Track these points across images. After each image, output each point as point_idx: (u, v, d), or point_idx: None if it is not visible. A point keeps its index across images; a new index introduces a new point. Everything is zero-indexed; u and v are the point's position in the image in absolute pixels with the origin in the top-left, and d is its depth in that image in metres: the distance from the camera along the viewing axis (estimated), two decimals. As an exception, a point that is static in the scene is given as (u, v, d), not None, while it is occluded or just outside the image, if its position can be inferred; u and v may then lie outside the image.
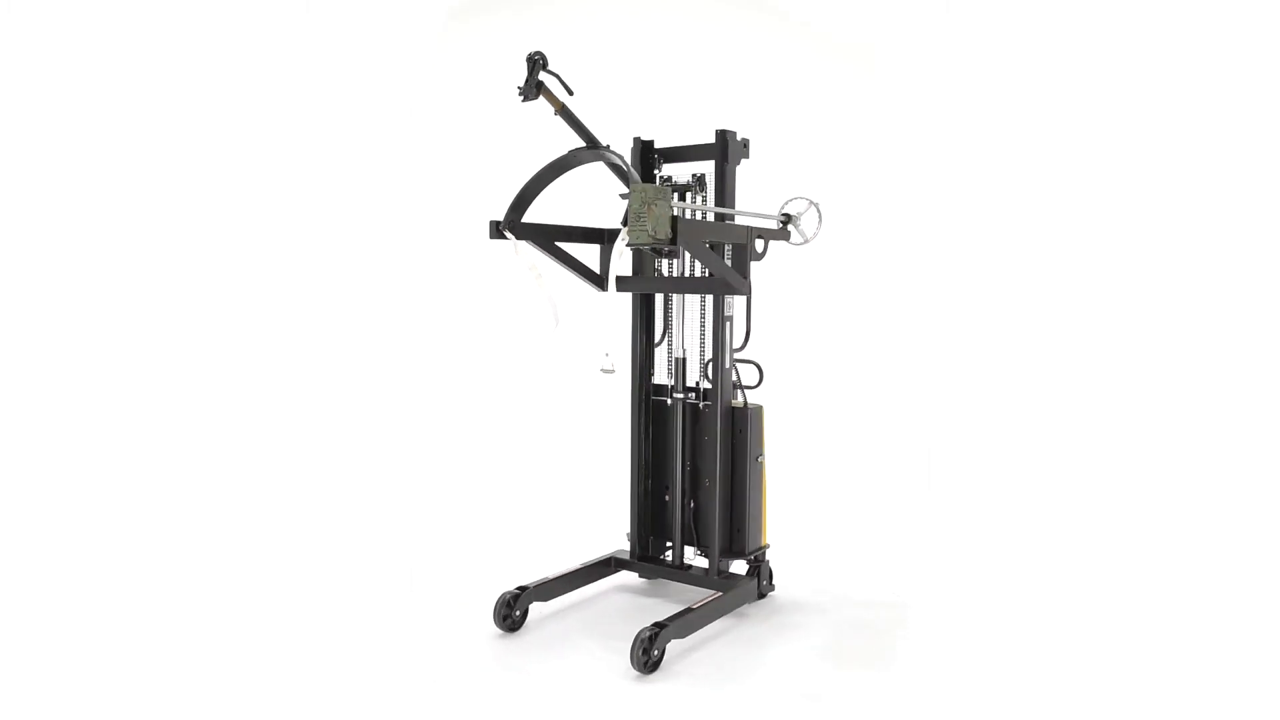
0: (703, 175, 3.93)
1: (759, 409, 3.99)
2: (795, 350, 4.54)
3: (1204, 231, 4.62)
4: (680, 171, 3.96)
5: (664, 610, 3.64)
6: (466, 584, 4.19)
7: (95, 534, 4.52)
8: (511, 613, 3.69)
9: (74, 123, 4.89)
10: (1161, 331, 4.72)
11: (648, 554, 4.17)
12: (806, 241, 4.06)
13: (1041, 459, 5.00)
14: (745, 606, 3.96)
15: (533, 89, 3.24)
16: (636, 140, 3.97)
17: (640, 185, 3.11)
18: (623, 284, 3.80)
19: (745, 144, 3.88)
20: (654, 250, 3.55)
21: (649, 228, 3.12)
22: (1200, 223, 4.62)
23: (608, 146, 3.52)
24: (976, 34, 4.94)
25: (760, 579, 4.03)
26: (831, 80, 5.69)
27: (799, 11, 5.52)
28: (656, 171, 4.02)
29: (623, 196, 3.77)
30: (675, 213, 3.20)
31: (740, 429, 3.92)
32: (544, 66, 3.28)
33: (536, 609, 3.88)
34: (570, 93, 3.41)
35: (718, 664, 3.43)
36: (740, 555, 3.95)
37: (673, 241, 3.21)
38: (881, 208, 5.72)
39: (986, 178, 5.24)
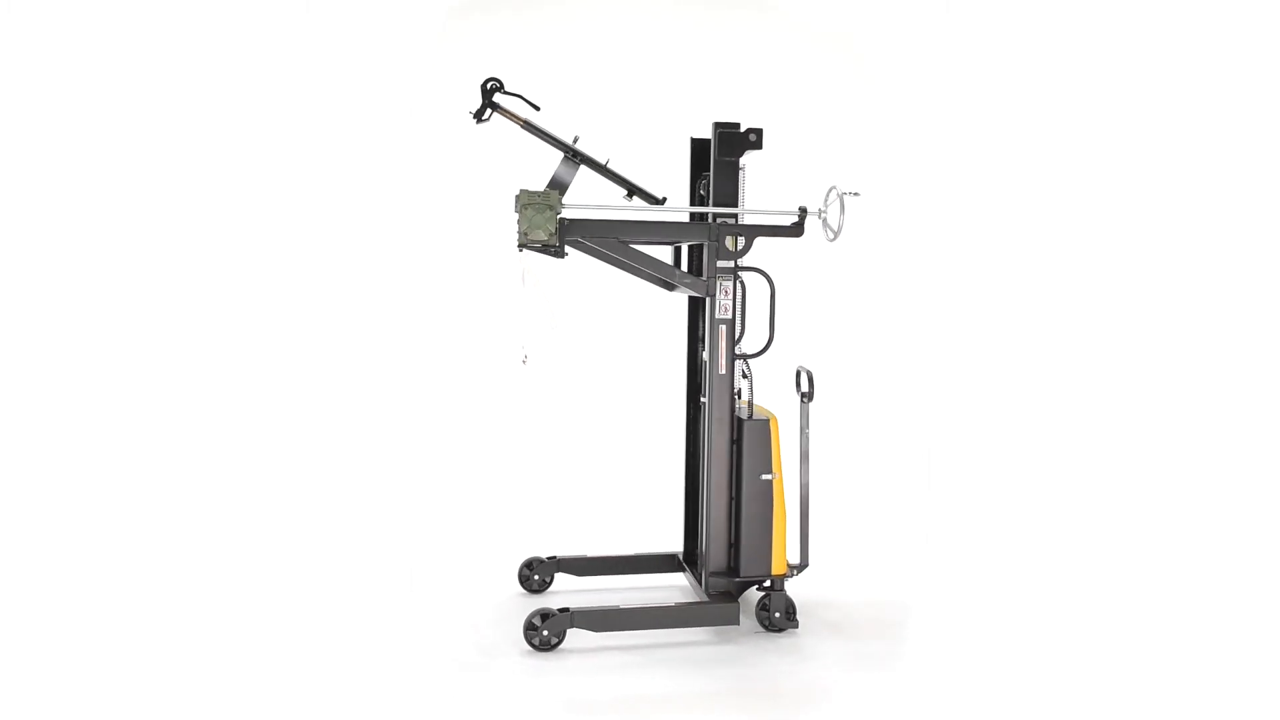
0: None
1: (764, 423, 3.64)
2: (795, 349, 4.14)
3: (1204, 229, 4.46)
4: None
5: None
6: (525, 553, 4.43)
7: (97, 533, 4.56)
8: (531, 575, 4.14)
9: (74, 123, 4.87)
10: (1161, 332, 4.63)
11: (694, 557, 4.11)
12: (835, 237, 3.54)
13: (1043, 459, 4.97)
14: (740, 630, 3.68)
15: (485, 111, 3.64)
16: (693, 141, 3.94)
17: (522, 191, 3.33)
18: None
19: (756, 135, 3.58)
20: (544, 251, 3.58)
21: (521, 229, 3.33)
22: (1200, 220, 4.47)
23: (575, 154, 3.68)
24: (977, 32, 4.98)
25: (770, 610, 3.67)
26: (836, 79, 5.75)
27: (799, 11, 5.65)
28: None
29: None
30: (559, 214, 3.34)
31: (737, 441, 3.64)
32: (500, 90, 3.65)
33: (576, 583, 4.21)
34: (536, 108, 3.69)
35: (626, 662, 3.45)
36: (736, 577, 3.67)
37: (559, 243, 3.36)
38: (882, 208, 5.65)
39: (991, 178, 5.15)
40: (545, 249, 3.41)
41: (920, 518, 5.12)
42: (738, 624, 3.64)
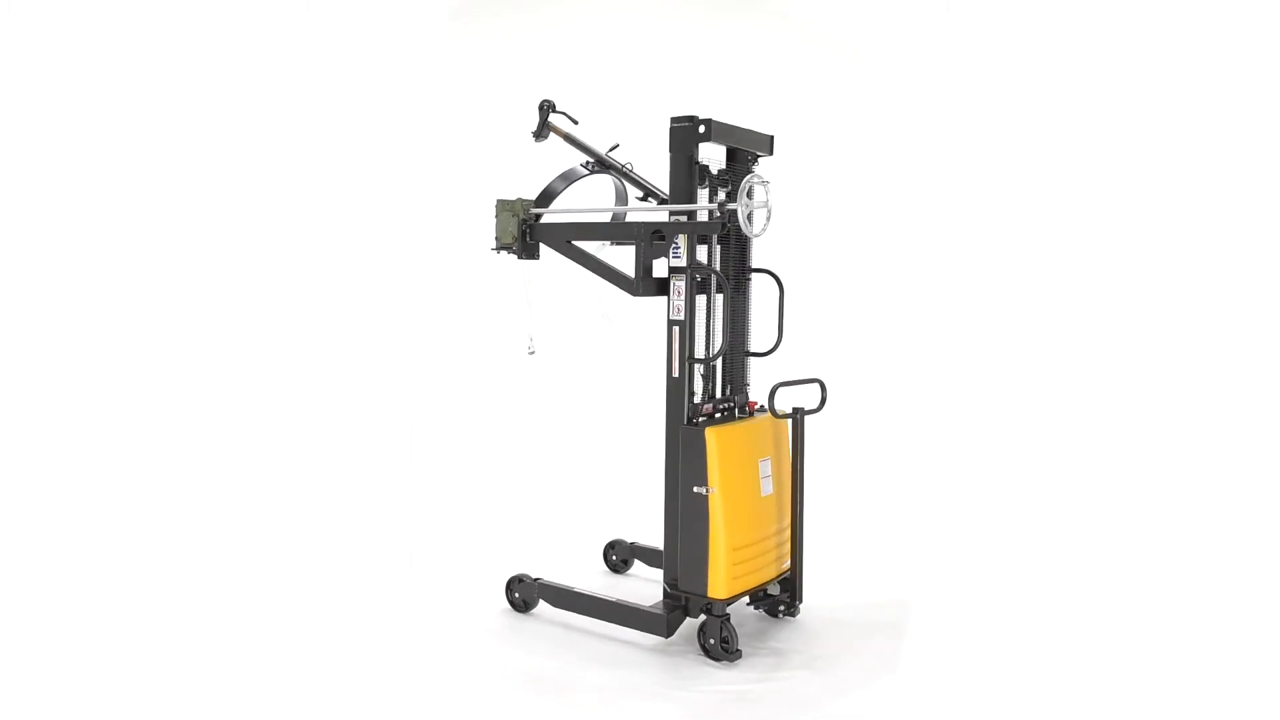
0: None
1: (697, 431, 3.38)
2: (794, 347, 3.87)
3: (1208, 230, 4.38)
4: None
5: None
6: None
7: (104, 530, 4.50)
8: (611, 554, 4.41)
9: (73, 123, 4.77)
10: (1163, 332, 4.48)
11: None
12: (755, 231, 3.17)
13: (1044, 460, 4.77)
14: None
15: (544, 131, 3.98)
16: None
17: (498, 200, 3.76)
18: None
19: (706, 126, 3.35)
20: (516, 254, 3.75)
21: (495, 234, 3.77)
22: (1204, 221, 4.39)
23: (601, 162, 3.86)
24: (977, 32, 5.00)
25: (705, 635, 3.41)
26: (837, 79, 5.73)
27: (797, 12, 5.64)
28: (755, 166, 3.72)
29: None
30: (520, 218, 3.69)
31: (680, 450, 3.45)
32: (553, 109, 3.96)
33: (647, 571, 4.35)
34: (575, 122, 3.92)
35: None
36: (675, 590, 3.49)
37: (521, 246, 3.72)
38: (880, 206, 5.73)
39: (992, 178, 5.06)
40: (510, 252, 3.79)
41: (920, 518, 4.97)
42: (664, 636, 3.49)
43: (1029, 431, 4.90)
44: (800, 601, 3.61)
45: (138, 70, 4.86)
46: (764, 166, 3.74)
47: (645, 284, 3.49)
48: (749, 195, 3.28)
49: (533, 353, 3.98)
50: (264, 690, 3.22)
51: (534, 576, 3.88)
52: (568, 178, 3.89)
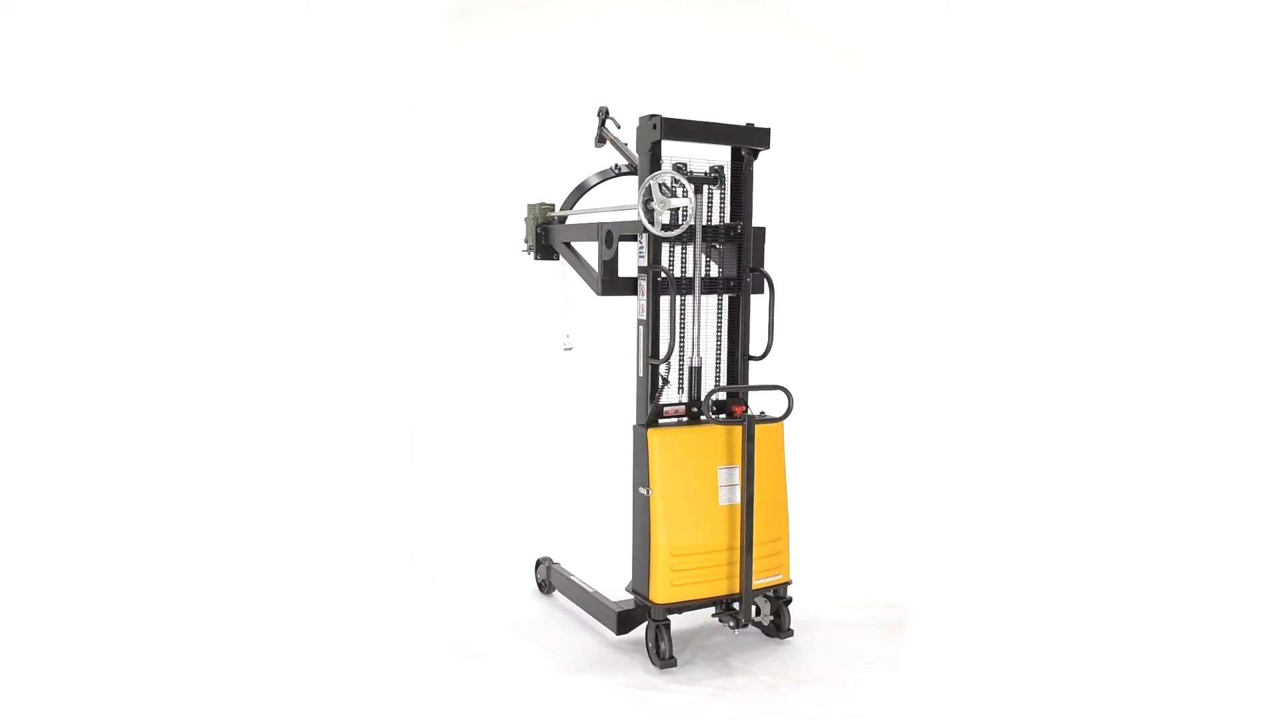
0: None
1: (641, 431, 3.34)
2: (791, 347, 3.81)
3: (1208, 232, 4.28)
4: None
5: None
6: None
7: (106, 530, 4.41)
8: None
9: (73, 125, 4.65)
10: (1163, 334, 4.39)
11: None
12: (658, 226, 3.08)
13: (1044, 461, 4.65)
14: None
15: (603, 136, 4.08)
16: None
17: (528, 205, 4.00)
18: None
19: (657, 123, 3.29)
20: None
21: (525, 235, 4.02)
22: (1204, 223, 4.29)
23: (616, 165, 3.93)
24: (977, 32, 4.95)
25: (648, 640, 3.38)
26: (837, 80, 5.59)
27: (797, 12, 5.61)
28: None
29: None
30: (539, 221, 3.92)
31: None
32: (608, 115, 4.05)
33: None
34: (619, 126, 3.98)
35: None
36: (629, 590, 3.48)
37: (536, 248, 3.95)
38: (880, 207, 5.59)
39: (991, 179, 4.89)
40: (534, 252, 4.00)
41: (919, 518, 4.93)
42: (615, 632, 3.49)
43: (1029, 432, 4.81)
44: (746, 622, 3.38)
45: (137, 73, 4.81)
46: (764, 162, 3.58)
47: (609, 284, 3.53)
48: (647, 194, 3.21)
49: (569, 349, 4.17)
50: (262, 683, 3.27)
51: (555, 560, 4.08)
52: (602, 175, 4.04)
